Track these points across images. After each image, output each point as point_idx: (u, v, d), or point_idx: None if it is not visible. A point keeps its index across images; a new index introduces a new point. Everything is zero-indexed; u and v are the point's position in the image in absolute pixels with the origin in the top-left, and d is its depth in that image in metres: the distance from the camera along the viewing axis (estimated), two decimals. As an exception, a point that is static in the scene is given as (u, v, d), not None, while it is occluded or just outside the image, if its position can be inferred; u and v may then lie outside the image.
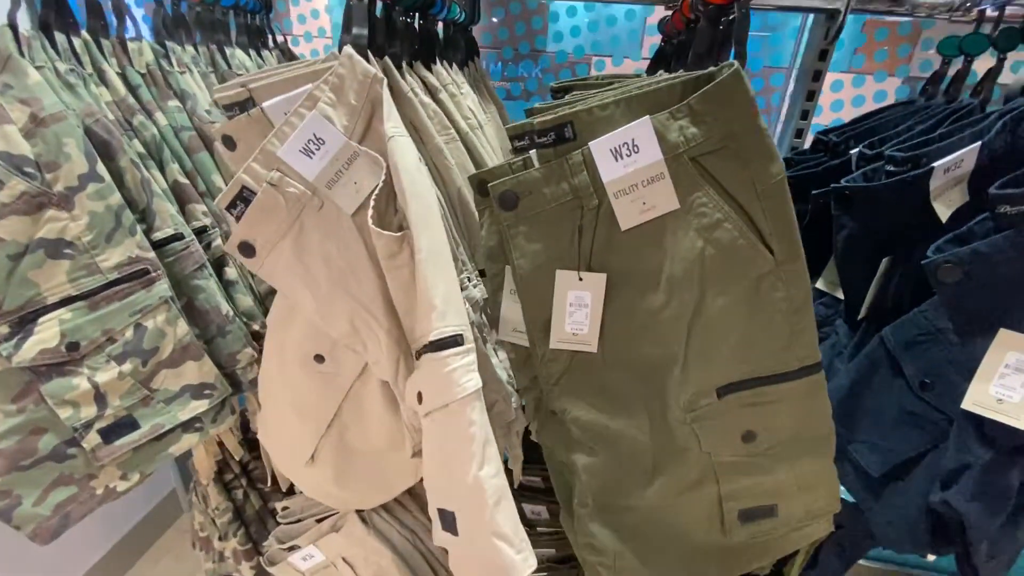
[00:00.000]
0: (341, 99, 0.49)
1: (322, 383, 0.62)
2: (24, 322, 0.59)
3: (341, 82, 0.49)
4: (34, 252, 0.58)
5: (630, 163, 0.45)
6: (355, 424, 0.65)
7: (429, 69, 0.71)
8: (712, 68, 0.45)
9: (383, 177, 0.49)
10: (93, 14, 0.67)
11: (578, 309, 0.50)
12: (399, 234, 0.48)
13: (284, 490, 0.93)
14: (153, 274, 0.66)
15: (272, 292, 0.82)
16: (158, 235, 0.67)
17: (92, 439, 0.64)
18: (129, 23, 0.72)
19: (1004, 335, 0.49)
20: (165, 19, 0.76)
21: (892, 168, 0.60)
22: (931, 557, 0.68)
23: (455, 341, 0.46)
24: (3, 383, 0.59)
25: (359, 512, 0.88)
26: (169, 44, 0.75)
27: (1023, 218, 0.46)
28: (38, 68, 0.59)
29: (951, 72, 0.76)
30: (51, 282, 0.60)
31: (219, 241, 0.74)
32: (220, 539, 1.01)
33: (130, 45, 0.70)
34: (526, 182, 0.47)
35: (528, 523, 0.96)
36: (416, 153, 0.49)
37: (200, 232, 0.72)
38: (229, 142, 0.55)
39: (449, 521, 0.52)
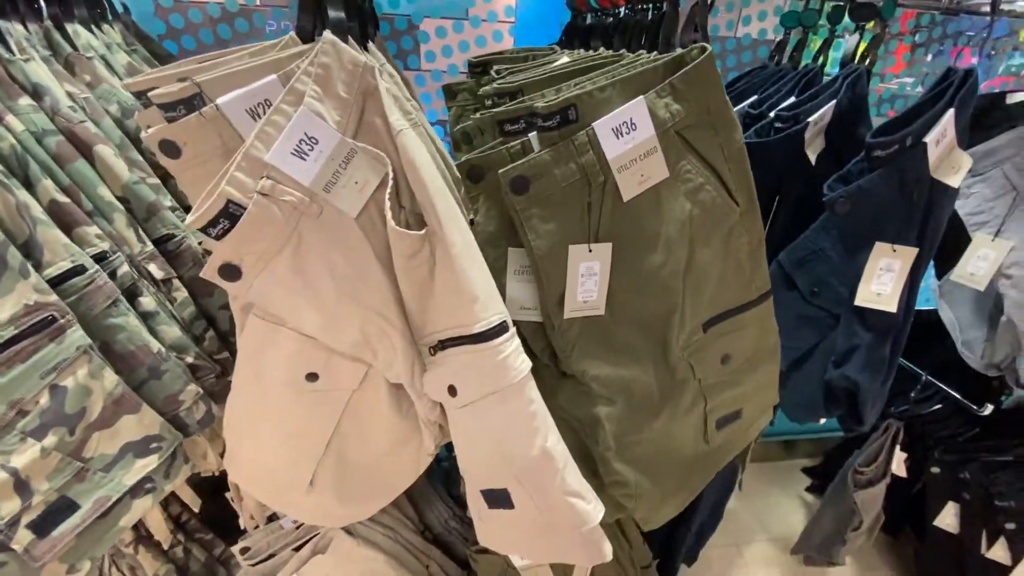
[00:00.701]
0: (328, 92, 0.45)
1: (316, 402, 0.58)
2: None
3: (327, 73, 0.44)
4: None
5: (629, 140, 0.50)
6: (355, 436, 0.61)
7: (366, 48, 0.65)
8: (681, 50, 0.52)
9: (391, 173, 0.47)
10: None
11: (588, 278, 0.55)
12: (422, 232, 0.46)
13: (255, 527, 0.84)
14: (61, 321, 0.53)
15: (200, 316, 0.71)
16: (51, 271, 0.54)
17: (23, 537, 0.51)
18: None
19: (879, 247, 0.66)
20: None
21: (780, 125, 0.74)
22: (822, 421, 0.90)
23: (503, 328, 0.47)
24: None
25: (344, 527, 0.84)
26: (3, 24, 0.57)
27: (890, 159, 0.62)
28: None
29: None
30: (-81, 356, 0.45)
31: (125, 268, 0.62)
32: (162, 608, 0.87)
33: (-57, 26, 0.52)
34: (536, 165, 0.49)
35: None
36: (429, 145, 0.47)
37: (99, 260, 0.59)
38: (171, 148, 0.46)
39: (500, 498, 0.55)
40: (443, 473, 1.27)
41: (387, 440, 0.63)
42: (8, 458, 0.50)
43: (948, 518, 1.17)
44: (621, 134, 0.49)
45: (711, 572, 1.44)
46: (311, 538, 0.83)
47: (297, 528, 0.85)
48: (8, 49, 0.57)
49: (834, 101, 0.74)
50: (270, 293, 0.48)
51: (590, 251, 0.53)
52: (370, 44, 0.69)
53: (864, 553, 1.42)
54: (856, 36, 0.81)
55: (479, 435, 0.52)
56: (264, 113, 0.47)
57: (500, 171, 0.49)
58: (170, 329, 0.65)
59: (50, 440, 0.52)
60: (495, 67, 0.79)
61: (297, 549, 0.83)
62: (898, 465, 1.11)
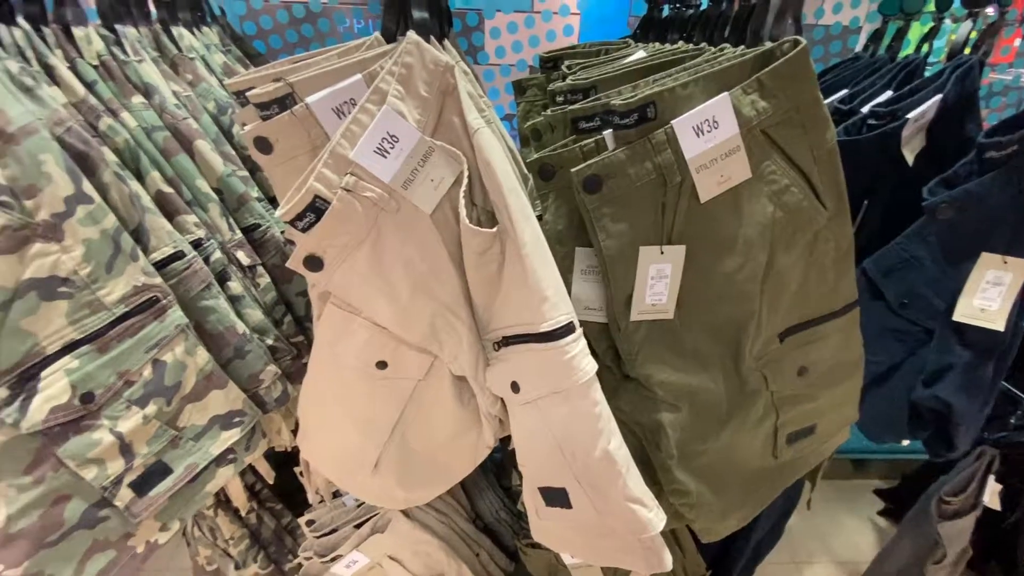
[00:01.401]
0: (410, 91, 0.46)
1: (384, 389, 0.60)
2: (24, 380, 0.50)
3: (409, 72, 0.45)
4: (24, 296, 0.49)
5: (710, 138, 0.48)
6: (417, 424, 0.63)
7: (443, 45, 0.67)
8: (771, 44, 0.49)
9: (466, 171, 0.47)
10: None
11: (659, 281, 0.53)
12: (494, 230, 0.47)
13: (320, 502, 0.89)
14: (164, 301, 0.58)
15: (279, 301, 0.76)
16: (156, 256, 0.59)
17: (124, 495, 0.57)
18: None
19: (985, 257, 0.60)
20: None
21: (874, 122, 0.69)
22: (904, 442, 0.83)
23: (570, 328, 0.47)
24: (9, 455, 0.50)
25: (401, 509, 0.87)
26: (120, 28, 0.63)
27: (1006, 161, 0.56)
28: (-15, 70, 0.47)
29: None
30: (49, 328, 0.50)
31: (218, 254, 0.66)
32: (236, 568, 0.94)
33: (75, 32, 0.58)
34: (611, 164, 0.48)
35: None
36: (503, 143, 0.47)
37: (196, 246, 0.64)
38: (264, 144, 0.49)
39: (558, 497, 0.55)
40: (495, 464, 1.29)
41: (448, 429, 0.64)
42: (115, 423, 0.55)
43: (1048, 559, 1.05)
44: (702, 132, 0.47)
45: (768, 590, 1.37)
46: (371, 517, 0.87)
47: (358, 507, 0.89)
48: (124, 51, 0.63)
49: (939, 96, 0.67)
50: (349, 284, 0.50)
51: (662, 253, 0.52)
52: (445, 42, 0.70)
53: (944, 587, 1.30)
54: (967, 24, 0.74)
55: (540, 433, 0.52)
56: (349, 111, 0.49)
57: (572, 169, 0.49)
58: (254, 312, 0.70)
59: (151, 409, 0.58)
60: (566, 62, 0.78)
61: (358, 526, 0.87)
62: (991, 497, 1.01)
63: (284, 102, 0.48)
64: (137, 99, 0.62)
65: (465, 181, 0.47)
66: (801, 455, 0.66)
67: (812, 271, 0.54)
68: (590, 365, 0.48)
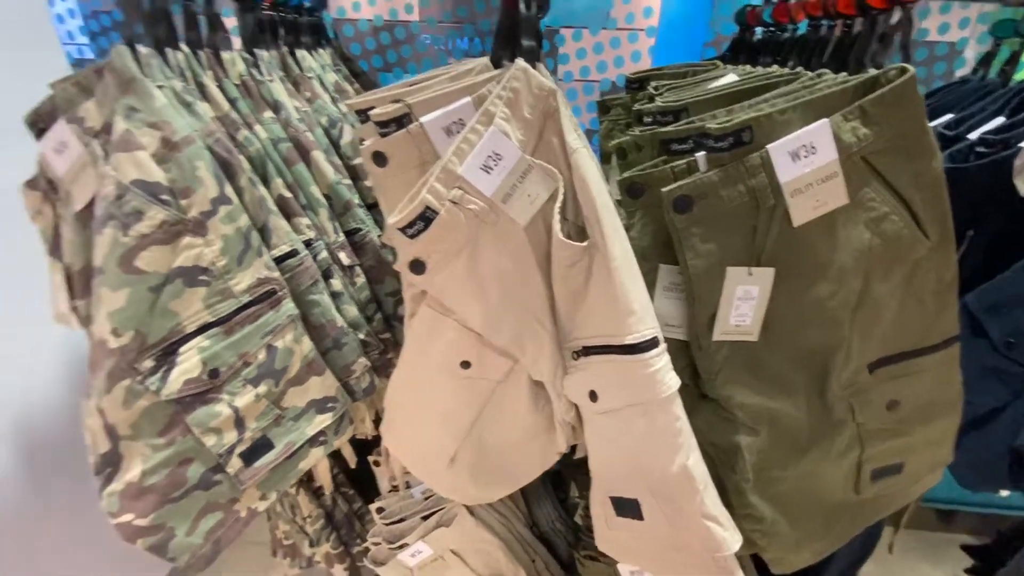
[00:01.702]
0: (516, 113, 0.50)
1: (466, 388, 0.64)
2: (167, 354, 0.57)
3: (516, 96, 0.49)
4: (173, 282, 0.56)
5: (807, 164, 0.48)
6: (494, 423, 0.66)
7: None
8: (876, 71, 0.49)
9: (560, 188, 0.51)
10: (190, 26, 0.63)
11: (744, 302, 0.54)
12: (584, 245, 0.50)
13: (390, 491, 0.95)
14: (280, 293, 0.65)
15: (372, 299, 0.82)
16: (275, 252, 0.66)
17: (235, 463, 0.64)
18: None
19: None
20: (255, 24, 0.72)
21: (983, 149, 0.66)
22: (1004, 494, 0.77)
23: (655, 343, 0.49)
24: (151, 417, 0.58)
25: (466, 505, 0.91)
26: (257, 52, 0.72)
27: None
28: (158, 88, 0.56)
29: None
30: (189, 310, 0.58)
31: (324, 254, 0.73)
32: (311, 545, 1.02)
33: (223, 55, 0.67)
34: (702, 185, 0.50)
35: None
36: (597, 163, 0.50)
37: (307, 245, 0.71)
38: (380, 158, 0.54)
39: (630, 507, 0.56)
40: (553, 474, 1.30)
41: (521, 432, 0.67)
42: (233, 398, 0.62)
43: None
44: (799, 157, 0.48)
45: (836, 639, 1.29)
46: (438, 511, 0.91)
47: (426, 499, 0.94)
48: (260, 72, 0.71)
49: (1061, 125, 0.63)
50: (447, 287, 0.54)
51: (750, 275, 0.52)
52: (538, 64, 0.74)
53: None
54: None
55: (617, 443, 0.54)
56: (457, 131, 0.53)
57: (664, 189, 0.51)
58: (350, 308, 0.77)
59: (262, 388, 0.65)
60: (653, 83, 0.80)
61: (425, 518, 0.91)
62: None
63: (401, 121, 0.53)
64: (268, 114, 0.70)
65: (560, 197, 0.50)
66: (886, 494, 0.64)
67: (909, 302, 0.53)
68: (673, 380, 0.49)
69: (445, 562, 0.91)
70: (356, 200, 0.80)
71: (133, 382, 0.56)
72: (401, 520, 0.93)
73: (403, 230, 0.51)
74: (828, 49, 0.59)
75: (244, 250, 0.61)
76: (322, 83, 0.86)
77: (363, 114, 0.57)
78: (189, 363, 0.59)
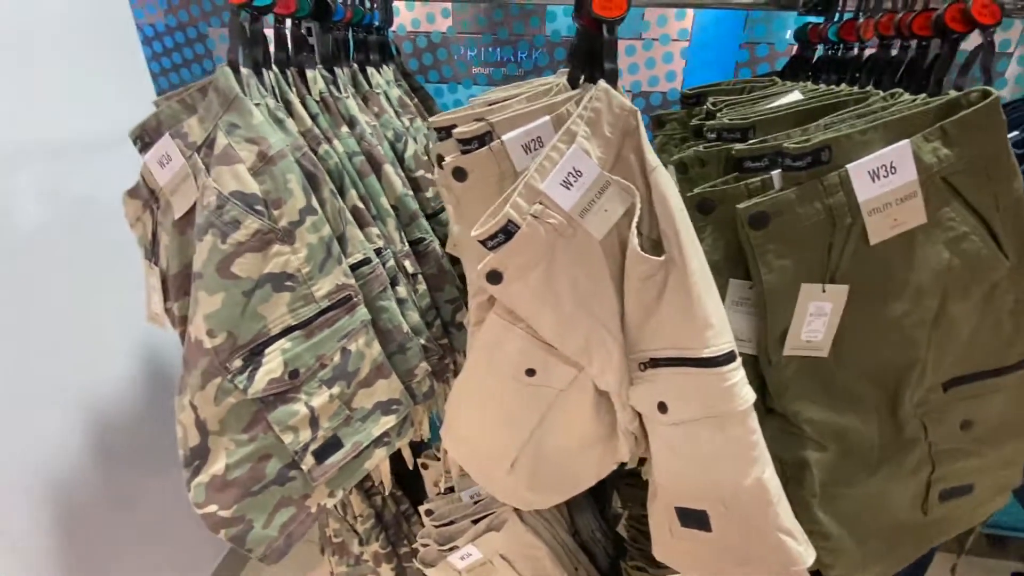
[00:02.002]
0: (596, 132, 0.52)
1: (530, 395, 0.65)
2: (254, 354, 0.61)
3: (597, 116, 0.51)
4: (263, 287, 0.60)
5: (886, 184, 0.49)
6: (555, 430, 0.68)
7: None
8: (957, 94, 0.49)
9: (637, 204, 0.52)
10: (280, 46, 0.67)
11: (817, 318, 0.54)
12: (662, 259, 0.51)
13: (437, 494, 0.97)
14: (355, 299, 0.68)
15: (432, 307, 0.85)
16: (351, 260, 0.69)
17: (308, 461, 0.67)
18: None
19: None
20: (332, 43, 0.76)
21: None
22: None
23: (732, 356, 0.50)
24: (236, 414, 0.62)
25: (516, 510, 0.92)
26: (336, 70, 0.76)
27: None
28: (255, 106, 0.60)
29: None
30: (275, 314, 0.62)
31: (391, 262, 0.76)
32: (360, 544, 1.05)
33: (307, 74, 0.71)
34: (780, 203, 0.51)
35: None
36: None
37: (377, 253, 0.74)
38: (461, 173, 0.57)
39: (696, 518, 0.57)
40: (595, 486, 1.31)
41: (581, 440, 0.68)
42: (310, 398, 0.66)
43: None
44: (878, 177, 0.49)
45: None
46: (488, 515, 0.92)
47: (476, 503, 0.96)
48: (338, 89, 0.75)
49: None
50: (521, 297, 0.56)
51: (823, 291, 0.53)
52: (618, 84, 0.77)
53: None
54: None
55: (687, 454, 0.55)
56: (535, 148, 0.56)
57: (740, 206, 0.52)
58: (413, 315, 0.79)
59: (335, 389, 0.68)
60: (711, 99, 0.81)
61: (475, 522, 0.93)
62: None
63: (483, 139, 0.56)
64: (344, 129, 0.74)
65: (637, 212, 0.52)
66: (952, 516, 0.63)
67: (987, 322, 0.53)
68: (750, 394, 0.50)
69: (493, 566, 0.93)
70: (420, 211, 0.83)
71: (224, 380, 0.59)
72: (450, 523, 0.95)
73: (484, 242, 0.53)
74: (900, 70, 0.60)
75: (326, 258, 0.64)
76: (387, 98, 0.90)
77: (444, 131, 0.60)
78: (273, 363, 0.62)
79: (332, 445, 0.69)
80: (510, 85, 0.95)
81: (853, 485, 0.58)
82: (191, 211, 0.61)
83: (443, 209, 0.89)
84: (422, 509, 1.00)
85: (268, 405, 0.63)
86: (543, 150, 0.52)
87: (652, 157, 0.51)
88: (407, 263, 0.80)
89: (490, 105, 0.59)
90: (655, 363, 0.58)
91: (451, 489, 1.00)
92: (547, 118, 0.55)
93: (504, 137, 0.55)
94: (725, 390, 0.49)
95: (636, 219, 0.52)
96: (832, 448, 0.57)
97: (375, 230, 0.75)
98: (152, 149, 0.60)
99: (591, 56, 0.55)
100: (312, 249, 0.63)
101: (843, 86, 0.68)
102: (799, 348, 0.55)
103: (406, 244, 0.80)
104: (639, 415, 0.63)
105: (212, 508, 0.62)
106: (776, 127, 0.62)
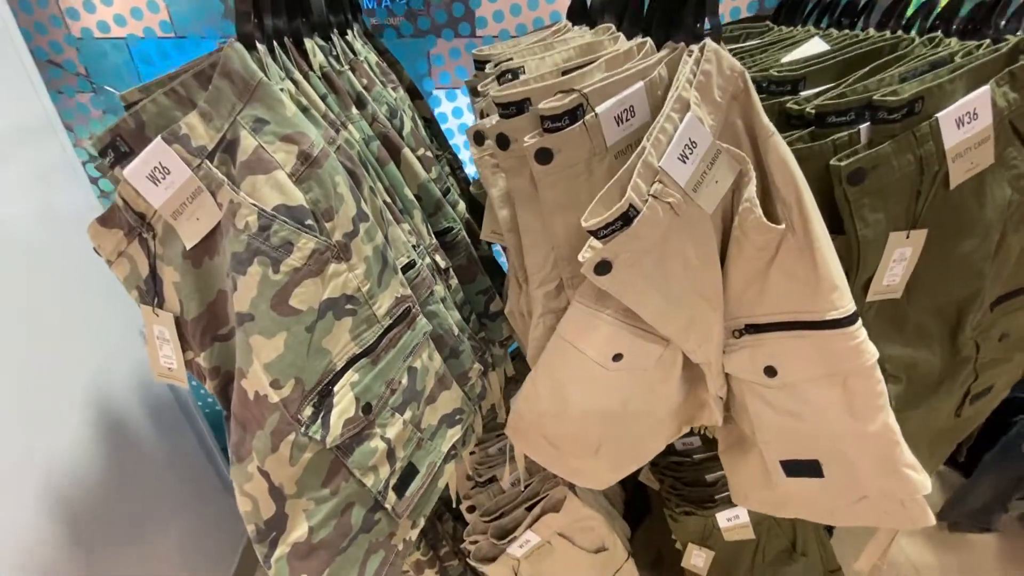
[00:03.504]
0: (706, 97, 0.48)
1: (616, 379, 0.63)
2: (323, 397, 0.52)
3: (707, 79, 0.47)
4: (324, 316, 0.50)
5: (969, 129, 0.51)
6: (639, 409, 0.67)
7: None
8: (1016, 39, 0.52)
9: (752, 171, 0.50)
10: (276, 11, 0.53)
11: (899, 263, 0.57)
12: (782, 227, 0.50)
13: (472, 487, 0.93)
14: (414, 310, 0.60)
15: (466, 300, 0.77)
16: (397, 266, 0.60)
17: (391, 498, 0.59)
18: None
19: None
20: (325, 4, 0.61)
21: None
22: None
23: (856, 315, 0.51)
24: (314, 469, 0.52)
25: (571, 487, 0.92)
26: (333, 38, 0.62)
27: None
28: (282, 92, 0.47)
29: None
30: (338, 345, 0.52)
31: (427, 259, 0.68)
32: (399, 557, 0.98)
33: (306, 44, 0.57)
34: (878, 157, 0.51)
35: (681, 454, 1.07)
36: (786, 145, 0.49)
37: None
38: (545, 155, 0.50)
39: (805, 468, 0.60)
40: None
41: (664, 413, 0.68)
42: (385, 430, 0.57)
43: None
44: (963, 124, 0.51)
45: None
46: (541, 499, 0.91)
47: (524, 490, 0.93)
48: (338, 61, 0.62)
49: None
50: (629, 284, 0.52)
51: (907, 237, 0.55)
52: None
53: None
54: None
55: (800, 413, 0.56)
56: (627, 118, 0.50)
57: (837, 163, 0.52)
58: (454, 313, 0.72)
59: (408, 414, 0.60)
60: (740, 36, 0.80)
61: (529, 508, 0.91)
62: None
63: (575, 113, 0.49)
64: (354, 110, 0.62)
65: (753, 180, 0.50)
66: (977, 413, 0.73)
67: (1028, 245, 0.59)
68: (873, 349, 0.52)
69: (551, 547, 0.92)
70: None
71: (298, 435, 0.49)
72: (502, 515, 0.92)
73: (597, 232, 0.48)
74: (906, 12, 0.62)
75: (383, 269, 0.55)
76: (370, 67, 0.76)
77: (510, 106, 0.52)
78: (344, 402, 0.53)
79: (408, 474, 0.62)
80: (507, 42, 0.86)
81: (918, 407, 0.64)
82: (210, 235, 0.48)
83: (448, 191, 0.80)
84: (463, 506, 0.96)
85: (345, 450, 0.54)
86: (657, 121, 0.47)
87: (767, 121, 0.49)
88: (438, 257, 0.71)
89: (565, 75, 0.52)
90: (755, 329, 0.58)
91: (491, 480, 0.96)
92: (640, 84, 0.50)
93: (598, 109, 0.49)
94: (853, 348, 0.51)
95: (753, 187, 0.50)
96: (904, 379, 0.62)
97: (405, 226, 0.65)
98: (135, 161, 0.45)
99: (671, 11, 0.50)
100: (369, 262, 0.53)
101: (871, 32, 0.69)
102: (880, 293, 0.58)
103: (433, 237, 0.71)
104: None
105: (301, 580, 0.53)
106: (824, 78, 0.62)
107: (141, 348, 1.00)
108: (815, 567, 1.02)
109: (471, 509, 0.96)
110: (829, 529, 1.07)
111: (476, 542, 0.94)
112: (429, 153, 0.77)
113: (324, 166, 0.48)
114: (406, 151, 0.66)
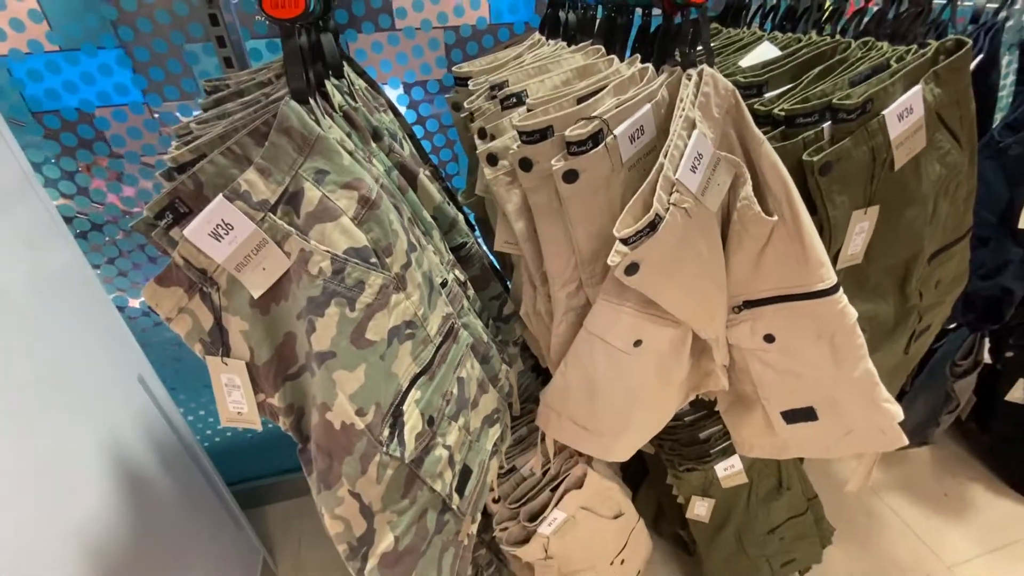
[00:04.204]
0: (707, 115, 0.56)
1: (637, 361, 0.71)
2: (395, 416, 0.56)
3: (707, 100, 0.55)
4: (391, 344, 0.54)
5: (907, 121, 0.62)
6: (658, 384, 0.75)
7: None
8: (936, 43, 0.64)
9: (745, 173, 0.58)
10: (312, 59, 0.55)
11: (859, 236, 0.68)
12: (775, 219, 0.59)
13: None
14: (456, 326, 0.64)
15: (483, 308, 0.82)
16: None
17: (455, 499, 0.65)
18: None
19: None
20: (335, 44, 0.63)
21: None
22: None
23: (839, 285, 0.61)
24: (395, 484, 0.57)
25: (588, 463, 1.00)
26: (346, 76, 0.64)
27: None
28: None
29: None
30: (403, 367, 0.56)
31: (452, 274, 0.72)
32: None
33: (326, 87, 0.59)
34: (842, 151, 0.61)
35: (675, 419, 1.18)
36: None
37: (439, 271, 0.69)
38: (572, 176, 0.57)
39: (802, 414, 0.71)
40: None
41: (674, 385, 0.77)
42: (445, 438, 0.62)
43: (1018, 392, 1.41)
44: (903, 118, 0.62)
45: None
46: (562, 479, 0.99)
47: (542, 475, 1.01)
48: (352, 98, 0.65)
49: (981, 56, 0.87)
50: (655, 281, 0.60)
51: (865, 213, 0.67)
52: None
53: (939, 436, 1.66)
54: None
55: (796, 371, 0.67)
56: (638, 136, 0.58)
57: (807, 158, 0.62)
58: (477, 322, 0.77)
59: (461, 421, 0.65)
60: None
61: (553, 489, 0.98)
62: (986, 353, 1.32)
63: (597, 137, 0.55)
64: (373, 144, 0.65)
65: (749, 180, 0.58)
66: (919, 349, 0.87)
67: (953, 208, 0.72)
68: (852, 310, 0.62)
69: (576, 520, 1.01)
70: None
71: (381, 456, 0.54)
72: (526, 500, 0.99)
73: (626, 240, 0.55)
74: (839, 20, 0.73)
75: (431, 292, 0.59)
76: (363, 93, 0.79)
77: (535, 134, 0.57)
78: (413, 418, 0.57)
79: (465, 475, 0.67)
80: (484, 59, 0.90)
81: (878, 351, 0.77)
82: (276, 284, 0.50)
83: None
84: (490, 498, 1.02)
85: (417, 462, 0.58)
86: (671, 140, 0.54)
87: (757, 131, 0.57)
88: (457, 272, 0.76)
89: (580, 103, 0.58)
90: (752, 304, 0.67)
91: (512, 470, 1.03)
92: (648, 106, 0.57)
93: (616, 131, 0.55)
94: (839, 311, 0.61)
95: (750, 187, 0.58)
96: (868, 331, 0.74)
97: (430, 248, 0.69)
98: (197, 220, 0.47)
99: (665, 37, 0.57)
100: (421, 288, 0.57)
101: (812, 35, 0.80)
102: (846, 261, 0.69)
103: (450, 253, 0.76)
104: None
105: (393, 586, 0.58)
106: (783, 81, 0.72)
107: (141, 394, 0.98)
108: (798, 497, 1.17)
109: (495, 500, 1.02)
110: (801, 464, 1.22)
111: (506, 528, 1.00)
112: (428, 172, 0.80)
113: (381, 207, 0.51)
114: (422, 176, 0.70)
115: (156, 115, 1.03)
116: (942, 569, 1.33)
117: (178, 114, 1.04)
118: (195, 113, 0.71)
